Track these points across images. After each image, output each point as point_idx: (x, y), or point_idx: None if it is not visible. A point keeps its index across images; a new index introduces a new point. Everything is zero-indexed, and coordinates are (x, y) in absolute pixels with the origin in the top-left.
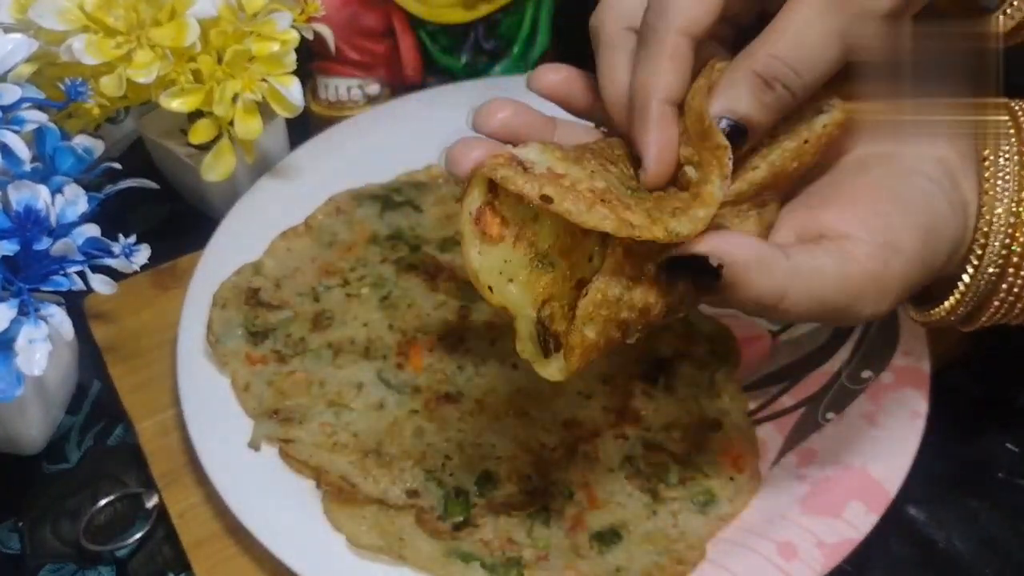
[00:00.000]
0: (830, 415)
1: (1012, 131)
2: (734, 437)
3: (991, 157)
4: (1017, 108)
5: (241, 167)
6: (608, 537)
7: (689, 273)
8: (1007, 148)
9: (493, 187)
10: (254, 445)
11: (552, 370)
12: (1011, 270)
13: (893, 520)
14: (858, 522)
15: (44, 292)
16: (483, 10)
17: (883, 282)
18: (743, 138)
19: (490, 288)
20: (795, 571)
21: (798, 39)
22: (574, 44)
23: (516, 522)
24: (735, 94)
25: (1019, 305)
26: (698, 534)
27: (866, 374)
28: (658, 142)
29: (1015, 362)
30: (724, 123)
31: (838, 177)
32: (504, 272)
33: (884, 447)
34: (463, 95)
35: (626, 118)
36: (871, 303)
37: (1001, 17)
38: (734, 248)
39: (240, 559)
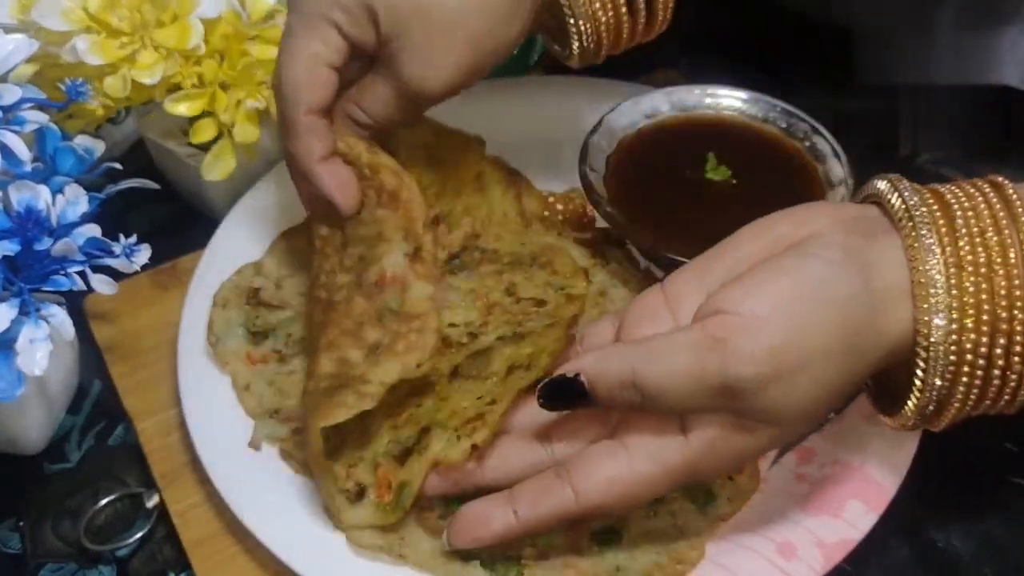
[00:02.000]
0: (830, 415)
1: (936, 220)
2: None
3: (917, 254)
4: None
5: (241, 167)
6: (608, 537)
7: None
8: (935, 248)
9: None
10: (254, 445)
11: (363, 515)
12: (964, 378)
13: (893, 520)
14: (858, 521)
15: (45, 292)
16: None
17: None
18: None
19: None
20: (795, 571)
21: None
22: None
23: None
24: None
25: (985, 403)
26: (698, 534)
27: None
28: (331, 182)
29: None
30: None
31: (734, 267)
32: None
33: (884, 446)
34: (461, 96)
35: (302, 187)
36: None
37: None
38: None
39: (240, 559)
